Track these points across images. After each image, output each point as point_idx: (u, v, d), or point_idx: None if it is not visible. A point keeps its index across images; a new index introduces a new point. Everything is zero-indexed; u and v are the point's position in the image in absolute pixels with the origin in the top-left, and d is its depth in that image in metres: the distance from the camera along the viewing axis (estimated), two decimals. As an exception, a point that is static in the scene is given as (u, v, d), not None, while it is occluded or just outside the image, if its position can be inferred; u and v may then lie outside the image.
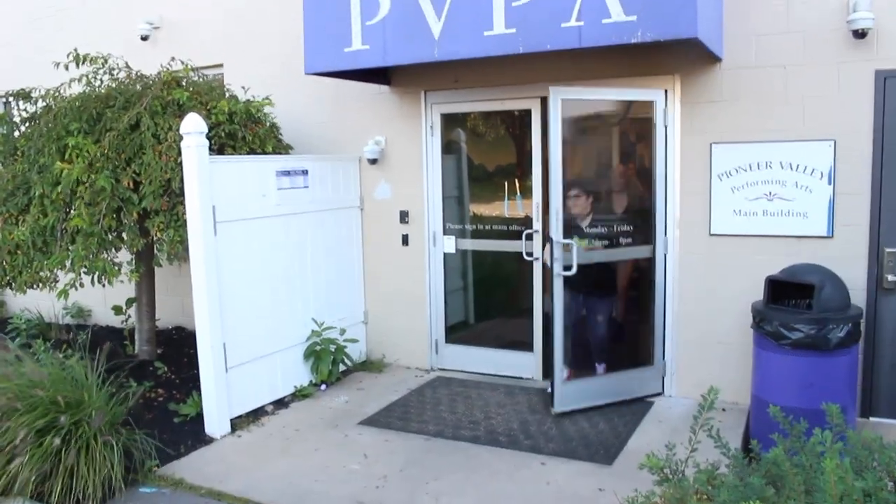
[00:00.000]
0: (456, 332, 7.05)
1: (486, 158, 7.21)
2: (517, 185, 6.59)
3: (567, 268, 5.43)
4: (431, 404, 6.00)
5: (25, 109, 6.55)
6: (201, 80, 6.60)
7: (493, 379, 6.59)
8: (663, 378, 5.99)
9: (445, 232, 6.82)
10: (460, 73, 6.39)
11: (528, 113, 6.36)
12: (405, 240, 6.90)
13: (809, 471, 2.43)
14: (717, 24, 5.25)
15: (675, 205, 5.80)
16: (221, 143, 5.99)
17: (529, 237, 6.35)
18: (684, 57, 5.54)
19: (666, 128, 5.77)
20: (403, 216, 6.87)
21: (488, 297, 7.21)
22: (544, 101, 6.26)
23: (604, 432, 5.28)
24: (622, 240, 5.87)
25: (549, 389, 5.80)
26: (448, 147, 6.86)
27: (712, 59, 5.46)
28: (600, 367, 5.96)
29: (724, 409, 5.57)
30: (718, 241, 5.68)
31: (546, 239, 5.87)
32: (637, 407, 5.74)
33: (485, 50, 5.16)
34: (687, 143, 5.71)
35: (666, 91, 5.75)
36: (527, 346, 6.58)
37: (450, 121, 6.83)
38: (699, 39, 4.63)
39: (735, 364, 5.67)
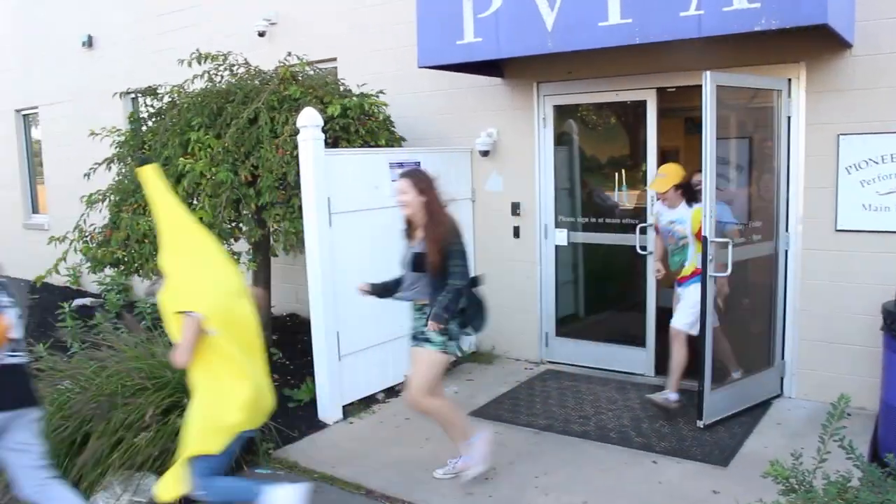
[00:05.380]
0: (566, 326, 6.98)
1: (599, 150, 7.10)
2: (631, 177, 6.46)
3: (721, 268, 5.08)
4: (541, 397, 5.97)
5: (152, 105, 6.86)
6: (315, 74, 6.74)
7: (603, 373, 6.50)
8: (782, 379, 5.76)
9: (557, 224, 6.75)
10: (573, 64, 6.29)
11: (642, 104, 6.21)
12: (516, 232, 6.87)
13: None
14: (847, 9, 4.97)
15: (799, 199, 5.55)
16: (335, 136, 6.11)
17: (643, 230, 6.19)
18: (810, 44, 5.27)
19: (789, 118, 5.52)
20: (515, 208, 6.84)
21: (599, 291, 7.11)
22: (660, 92, 6.14)
23: (718, 432, 5.13)
24: (752, 236, 5.64)
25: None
26: (560, 139, 6.79)
27: (841, 45, 5.18)
28: (736, 373, 5.58)
29: (849, 415, 5.27)
30: (845, 238, 5.40)
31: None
32: (753, 407, 5.53)
33: (599, 41, 5.07)
34: (812, 134, 5.45)
35: (790, 80, 5.50)
36: (639, 341, 6.44)
37: (562, 112, 6.74)
38: (828, 25, 4.40)
39: (861, 366, 5.39)
